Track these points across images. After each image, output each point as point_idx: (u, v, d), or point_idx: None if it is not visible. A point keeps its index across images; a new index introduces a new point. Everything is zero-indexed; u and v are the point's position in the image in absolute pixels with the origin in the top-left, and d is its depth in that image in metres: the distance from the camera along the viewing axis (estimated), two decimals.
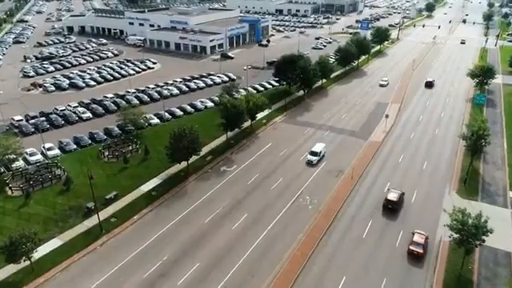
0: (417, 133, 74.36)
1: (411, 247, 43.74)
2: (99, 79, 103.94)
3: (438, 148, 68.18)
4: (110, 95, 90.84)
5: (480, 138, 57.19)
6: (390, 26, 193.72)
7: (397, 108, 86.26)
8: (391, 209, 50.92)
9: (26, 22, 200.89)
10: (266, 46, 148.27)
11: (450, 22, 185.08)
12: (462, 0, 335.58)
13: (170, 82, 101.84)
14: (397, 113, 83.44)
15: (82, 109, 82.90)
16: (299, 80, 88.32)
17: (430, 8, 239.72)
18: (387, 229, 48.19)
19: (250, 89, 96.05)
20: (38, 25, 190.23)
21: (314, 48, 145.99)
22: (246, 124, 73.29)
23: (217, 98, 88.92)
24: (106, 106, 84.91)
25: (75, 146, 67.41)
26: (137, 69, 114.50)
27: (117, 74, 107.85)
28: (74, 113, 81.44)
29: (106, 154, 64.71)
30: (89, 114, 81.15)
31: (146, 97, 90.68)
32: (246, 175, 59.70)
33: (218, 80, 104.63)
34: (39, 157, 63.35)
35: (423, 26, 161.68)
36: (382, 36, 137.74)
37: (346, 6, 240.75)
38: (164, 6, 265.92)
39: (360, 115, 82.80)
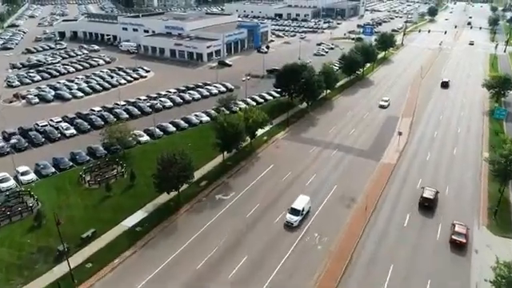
0: (433, 152, 66.94)
1: (453, 237, 44.94)
2: (87, 90, 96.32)
3: (458, 172, 60.76)
4: (98, 108, 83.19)
5: (511, 163, 49.88)
6: (393, 30, 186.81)
7: (408, 122, 78.92)
8: (427, 207, 51.04)
9: (17, 26, 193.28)
10: (266, 52, 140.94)
11: (455, 26, 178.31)
12: (464, 4, 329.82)
13: (163, 92, 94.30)
14: (409, 128, 76.07)
15: (66, 124, 75.19)
16: (302, 92, 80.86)
17: (432, 12, 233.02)
18: (411, 275, 40.73)
19: (248, 100, 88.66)
20: (29, 30, 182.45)
21: (315, 54, 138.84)
22: (245, 142, 65.89)
23: (213, 112, 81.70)
24: (92, 120, 77.29)
25: (53, 170, 59.81)
26: (128, 78, 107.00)
27: (106, 84, 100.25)
28: (57, 129, 73.88)
29: (88, 178, 57.12)
30: (73, 131, 73.50)
31: (136, 110, 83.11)
32: (244, 205, 52.15)
33: (214, 90, 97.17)
34: (12, 183, 55.77)
35: (428, 31, 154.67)
36: (387, 42, 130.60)
37: (347, 10, 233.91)
38: (161, 10, 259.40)
39: (369, 131, 75.40)
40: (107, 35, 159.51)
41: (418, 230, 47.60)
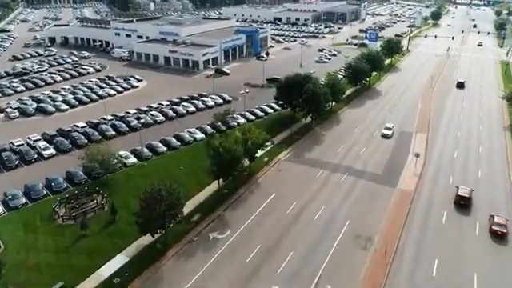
0: (456, 176, 59.21)
1: (494, 227, 45.63)
2: (73, 102, 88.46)
3: (487, 201, 52.97)
4: (82, 124, 75.16)
5: None
6: (397, 35, 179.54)
7: (424, 139, 71.21)
8: (463, 205, 50.71)
9: (8, 31, 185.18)
10: (265, 59, 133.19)
11: (462, 32, 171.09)
12: (465, 8, 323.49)
13: (155, 105, 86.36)
14: (425, 147, 68.35)
15: (44, 143, 67.23)
16: (307, 106, 73.07)
17: (435, 16, 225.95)
18: None
19: (247, 114, 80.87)
20: (19, 35, 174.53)
21: (317, 61, 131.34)
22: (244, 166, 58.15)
23: (209, 128, 73.94)
24: (74, 138, 69.38)
25: (24, 200, 51.86)
26: (119, 88, 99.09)
27: (94, 96, 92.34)
28: (34, 148, 65.96)
29: (62, 213, 49.17)
30: (52, 151, 65.54)
31: (124, 125, 75.27)
32: (243, 247, 44.29)
33: (210, 103, 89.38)
34: None
35: (435, 36, 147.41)
36: (393, 48, 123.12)
37: (348, 14, 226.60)
38: (157, 14, 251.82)
39: (381, 150, 67.68)
40: (98, 41, 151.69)
41: (449, 279, 39.85)
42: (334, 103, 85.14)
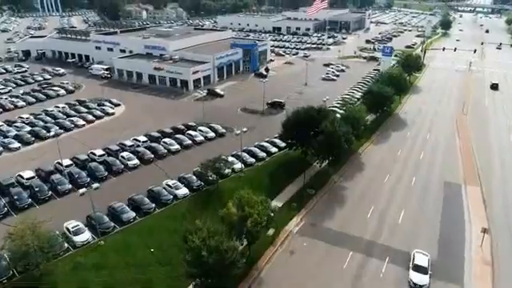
0: None
1: None
2: (27, 138, 70.07)
3: None
4: (28, 174, 56.63)
5: None
6: (408, 47, 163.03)
7: (478, 197, 53.16)
8: None
9: None
10: (265, 76, 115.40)
11: (482, 43, 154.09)
12: (471, 15, 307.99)
13: (129, 142, 68.01)
14: (484, 209, 50.30)
15: None
16: (324, 151, 54.91)
17: (446, 25, 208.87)
18: None
19: (244, 155, 62.63)
20: None
21: (324, 79, 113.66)
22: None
23: (194, 178, 55.72)
24: (13, 198, 50.98)
25: None
26: (89, 117, 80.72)
27: (56, 128, 73.97)
28: None
29: None
30: None
31: (83, 174, 56.86)
32: None
33: (199, 137, 71.13)
34: None
35: (455, 49, 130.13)
36: (412, 65, 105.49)
37: (352, 23, 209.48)
38: (149, 23, 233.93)
39: (427, 216, 49.34)
40: (76, 55, 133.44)
41: None
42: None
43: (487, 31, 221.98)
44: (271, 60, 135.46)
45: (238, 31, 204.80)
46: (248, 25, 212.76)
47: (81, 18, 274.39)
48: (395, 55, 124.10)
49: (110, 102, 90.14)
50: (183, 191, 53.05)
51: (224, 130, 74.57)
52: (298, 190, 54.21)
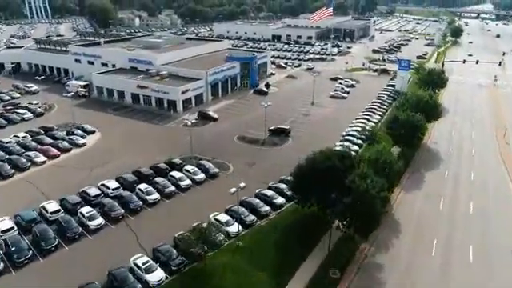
0: None
1: None
2: None
3: None
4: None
5: None
6: (420, 57, 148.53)
7: None
8: None
9: None
10: (265, 93, 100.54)
11: (504, 53, 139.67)
12: (478, 22, 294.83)
13: (94, 190, 52.47)
14: None
15: None
16: (353, 219, 39.56)
17: (456, 33, 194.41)
18: None
19: (242, 211, 47.21)
20: None
21: (333, 96, 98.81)
22: None
23: (174, 253, 40.33)
24: None
25: None
26: (52, 150, 65.25)
27: (7, 168, 58.41)
28: None
29: None
30: None
31: (23, 244, 41.44)
32: None
33: (185, 181, 55.73)
34: None
35: (477, 62, 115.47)
36: (435, 81, 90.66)
37: (357, 30, 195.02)
38: (141, 31, 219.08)
39: None
40: (42, 69, 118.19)
41: None
42: None
43: (498, 36, 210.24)
44: (272, 73, 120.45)
45: (235, 39, 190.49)
46: (246, 33, 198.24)
47: (71, 25, 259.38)
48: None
49: (83, 129, 74.74)
50: (157, 276, 37.62)
51: (216, 170, 59.24)
52: (316, 270, 38.91)
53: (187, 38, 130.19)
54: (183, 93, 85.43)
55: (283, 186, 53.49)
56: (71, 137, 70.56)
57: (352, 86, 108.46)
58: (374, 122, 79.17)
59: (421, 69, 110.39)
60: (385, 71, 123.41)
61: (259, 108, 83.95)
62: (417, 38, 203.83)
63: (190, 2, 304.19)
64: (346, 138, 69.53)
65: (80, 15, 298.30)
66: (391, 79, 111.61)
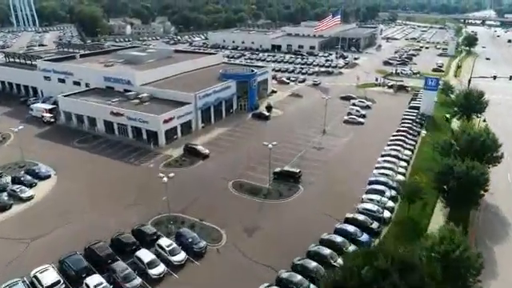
0: None
1: None
2: None
3: None
4: None
5: None
6: (436, 70, 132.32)
7: None
8: None
9: None
10: (267, 117, 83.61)
11: None
12: (484, 29, 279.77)
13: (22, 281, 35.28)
14: None
15: None
16: None
17: (470, 42, 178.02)
18: None
19: None
20: None
21: (347, 121, 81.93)
22: None
23: None
24: None
25: None
26: None
27: None
28: None
29: None
30: None
31: None
32: None
33: (157, 268, 38.37)
34: None
35: (510, 77, 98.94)
36: (473, 105, 73.81)
37: (363, 39, 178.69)
38: (131, 40, 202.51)
39: None
40: (24, 86, 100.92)
41: None
42: None
43: (509, 41, 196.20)
44: (273, 91, 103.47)
45: (231, 49, 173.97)
46: (243, 42, 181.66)
47: (58, 33, 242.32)
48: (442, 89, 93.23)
49: (35, 172, 57.42)
50: None
51: (203, 244, 41.92)
52: None
53: (175, 51, 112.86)
54: (166, 122, 68.21)
55: (299, 277, 36.31)
56: (15, 187, 53.11)
57: (368, 107, 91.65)
58: (404, 159, 62.30)
59: (447, 87, 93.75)
60: (402, 88, 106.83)
61: (260, 138, 67.38)
62: (427, 48, 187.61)
63: (184, 9, 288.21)
64: (374, 187, 52.51)
65: (70, 23, 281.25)
66: (412, 99, 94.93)
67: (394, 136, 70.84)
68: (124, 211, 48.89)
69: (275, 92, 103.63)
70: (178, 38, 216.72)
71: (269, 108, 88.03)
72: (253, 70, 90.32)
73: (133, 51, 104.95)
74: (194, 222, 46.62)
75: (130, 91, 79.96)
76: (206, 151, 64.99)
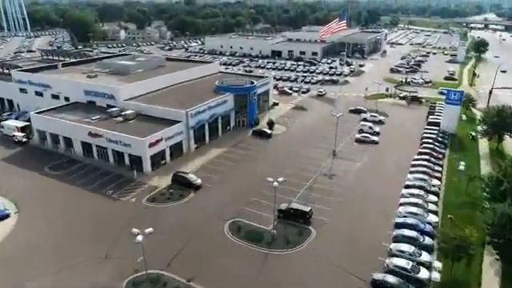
0: None
1: None
2: None
3: None
4: None
5: None
6: (448, 78, 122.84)
7: None
8: None
9: None
10: (269, 135, 73.49)
11: None
12: (490, 34, 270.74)
13: None
14: None
15: None
16: None
17: (480, 48, 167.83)
18: None
19: None
20: None
21: (359, 140, 71.93)
22: None
23: None
24: None
25: None
26: None
27: None
28: None
29: None
30: None
31: None
32: None
33: None
34: None
35: None
36: (509, 125, 63.78)
37: (368, 45, 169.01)
38: (125, 45, 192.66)
39: None
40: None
41: None
42: None
43: None
44: (274, 104, 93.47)
45: (228, 56, 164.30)
46: (241, 48, 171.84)
47: (50, 38, 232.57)
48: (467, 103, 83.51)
49: None
50: None
51: None
52: None
53: (168, 59, 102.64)
54: (152, 145, 58.00)
55: None
56: None
57: (380, 122, 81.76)
58: (433, 191, 52.26)
59: (468, 100, 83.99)
60: (415, 99, 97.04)
61: (261, 162, 57.61)
62: (434, 53, 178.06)
63: (181, 13, 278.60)
64: (403, 233, 42.37)
65: (63, 27, 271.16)
66: (429, 113, 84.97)
67: (416, 160, 60.77)
68: (94, 268, 38.70)
69: (277, 104, 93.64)
70: (174, 43, 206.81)
71: (270, 124, 77.98)
72: (252, 82, 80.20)
73: (120, 60, 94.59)
74: (179, 284, 36.43)
75: (114, 107, 69.79)
76: (198, 181, 54.75)
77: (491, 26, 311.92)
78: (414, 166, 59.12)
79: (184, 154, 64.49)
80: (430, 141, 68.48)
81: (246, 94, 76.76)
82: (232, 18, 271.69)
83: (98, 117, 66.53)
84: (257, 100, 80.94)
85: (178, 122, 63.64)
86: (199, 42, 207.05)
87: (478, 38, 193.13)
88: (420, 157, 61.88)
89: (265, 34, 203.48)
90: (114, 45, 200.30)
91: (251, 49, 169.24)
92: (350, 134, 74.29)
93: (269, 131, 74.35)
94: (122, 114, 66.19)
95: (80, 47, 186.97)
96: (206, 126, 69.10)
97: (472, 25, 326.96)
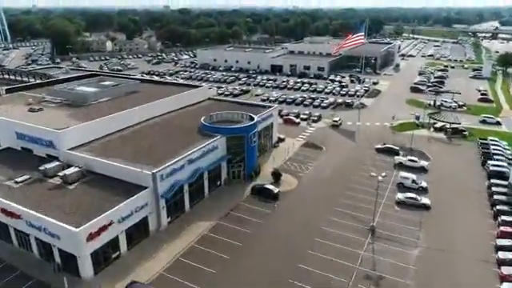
0: None
1: None
2: None
3: None
4: None
5: None
6: (482, 100, 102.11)
7: None
8: None
9: None
10: (275, 196, 51.52)
11: None
12: (498, 43, 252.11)
13: None
14: None
15: None
16: None
17: (507, 62, 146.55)
18: None
19: None
20: None
21: (402, 203, 50.10)
22: None
23: None
24: None
25: None
26: None
27: None
28: None
29: None
30: None
31: None
32: None
33: None
34: None
35: None
36: None
37: (380, 58, 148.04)
38: (108, 58, 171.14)
39: None
40: None
41: None
42: None
43: None
44: (279, 139, 71.66)
45: (223, 70, 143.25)
46: (237, 61, 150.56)
47: (29, 50, 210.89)
48: None
49: None
50: None
51: None
52: None
53: (142, 81, 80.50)
54: (92, 237, 35.80)
55: None
56: None
57: (422, 168, 60.17)
58: None
59: None
60: (458, 132, 75.68)
61: (264, 251, 35.69)
62: (452, 67, 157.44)
63: (174, 23, 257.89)
64: None
65: (47, 38, 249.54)
66: (484, 154, 63.51)
67: (500, 244, 39.10)
68: None
69: (283, 140, 71.96)
70: (164, 55, 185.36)
71: (277, 175, 56.19)
72: (252, 117, 58.28)
73: (80, 85, 72.20)
74: None
75: (57, 158, 47.92)
76: None
77: (502, 36, 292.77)
78: (502, 261, 37.45)
79: (150, 235, 42.50)
80: (503, 202, 47.01)
81: (243, 135, 54.92)
82: (228, 28, 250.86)
83: (26, 177, 44.53)
84: (257, 142, 59.02)
85: (143, 187, 41.71)
86: (191, 55, 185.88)
87: (497, 52, 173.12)
88: (502, 237, 40.23)
89: (263, 46, 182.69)
90: (97, 57, 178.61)
91: (248, 63, 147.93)
92: (385, 190, 52.76)
93: (275, 189, 52.48)
94: (60, 174, 44.07)
95: (58, 60, 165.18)
96: (186, 188, 47.16)
97: (478, 34, 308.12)
